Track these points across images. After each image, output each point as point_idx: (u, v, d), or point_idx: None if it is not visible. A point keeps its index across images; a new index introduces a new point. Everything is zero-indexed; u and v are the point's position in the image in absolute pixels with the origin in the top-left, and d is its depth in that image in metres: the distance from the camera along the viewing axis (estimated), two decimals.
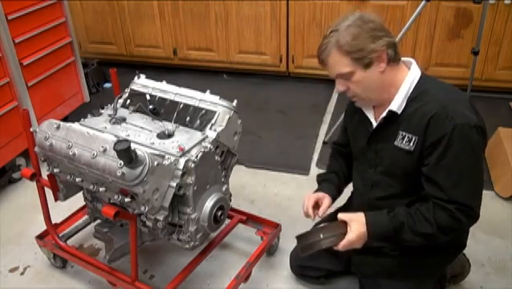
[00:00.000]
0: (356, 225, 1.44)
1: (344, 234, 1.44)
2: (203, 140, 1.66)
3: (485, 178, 2.41)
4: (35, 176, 1.79)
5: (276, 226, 1.99)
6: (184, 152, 1.57)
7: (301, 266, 1.88)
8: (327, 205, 1.63)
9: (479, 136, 1.35)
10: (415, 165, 1.41)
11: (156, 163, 1.45)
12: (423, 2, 2.48)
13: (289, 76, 3.73)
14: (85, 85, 3.08)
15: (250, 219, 2.05)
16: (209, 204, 1.67)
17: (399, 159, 1.44)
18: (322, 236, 1.47)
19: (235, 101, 1.77)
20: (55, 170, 1.70)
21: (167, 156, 1.52)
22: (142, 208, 1.50)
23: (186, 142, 1.63)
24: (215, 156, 1.69)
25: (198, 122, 1.72)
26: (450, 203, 1.35)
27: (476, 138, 1.34)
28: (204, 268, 1.96)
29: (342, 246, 1.44)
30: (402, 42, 3.08)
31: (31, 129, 1.67)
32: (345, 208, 1.76)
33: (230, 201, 1.84)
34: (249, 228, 2.05)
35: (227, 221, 1.92)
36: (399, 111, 1.42)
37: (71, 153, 1.53)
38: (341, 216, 1.50)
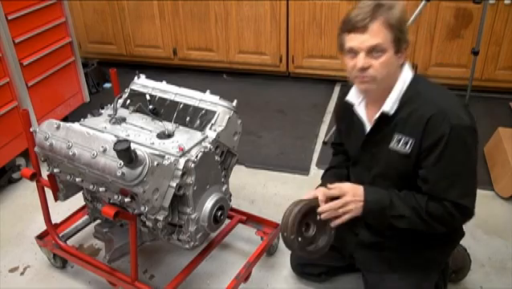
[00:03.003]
0: (352, 188, 1.47)
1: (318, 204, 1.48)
2: (203, 140, 1.66)
3: (485, 178, 2.43)
4: (35, 176, 1.79)
5: (276, 226, 1.99)
6: (184, 152, 1.57)
7: (302, 264, 1.88)
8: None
9: (472, 138, 1.38)
10: (411, 168, 1.42)
11: (156, 163, 1.45)
12: (423, 2, 2.48)
13: (289, 76, 3.73)
14: (85, 85, 3.08)
15: (250, 219, 2.05)
16: (208, 204, 1.67)
17: (394, 162, 1.45)
18: (293, 207, 1.51)
19: (235, 101, 1.77)
20: (55, 170, 1.70)
21: (167, 156, 1.52)
22: (142, 208, 1.50)
23: (186, 142, 1.63)
24: (215, 156, 1.69)
25: (198, 122, 1.72)
26: (446, 201, 1.39)
27: (470, 139, 1.37)
28: (204, 268, 1.96)
29: (335, 204, 1.46)
30: None
31: (31, 129, 1.67)
32: None
33: (230, 201, 1.84)
34: (249, 228, 2.05)
35: (227, 221, 1.92)
36: (391, 112, 1.42)
37: (70, 153, 1.53)
38: (333, 185, 1.51)
